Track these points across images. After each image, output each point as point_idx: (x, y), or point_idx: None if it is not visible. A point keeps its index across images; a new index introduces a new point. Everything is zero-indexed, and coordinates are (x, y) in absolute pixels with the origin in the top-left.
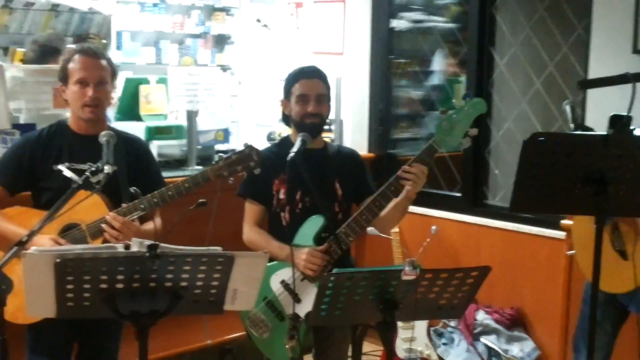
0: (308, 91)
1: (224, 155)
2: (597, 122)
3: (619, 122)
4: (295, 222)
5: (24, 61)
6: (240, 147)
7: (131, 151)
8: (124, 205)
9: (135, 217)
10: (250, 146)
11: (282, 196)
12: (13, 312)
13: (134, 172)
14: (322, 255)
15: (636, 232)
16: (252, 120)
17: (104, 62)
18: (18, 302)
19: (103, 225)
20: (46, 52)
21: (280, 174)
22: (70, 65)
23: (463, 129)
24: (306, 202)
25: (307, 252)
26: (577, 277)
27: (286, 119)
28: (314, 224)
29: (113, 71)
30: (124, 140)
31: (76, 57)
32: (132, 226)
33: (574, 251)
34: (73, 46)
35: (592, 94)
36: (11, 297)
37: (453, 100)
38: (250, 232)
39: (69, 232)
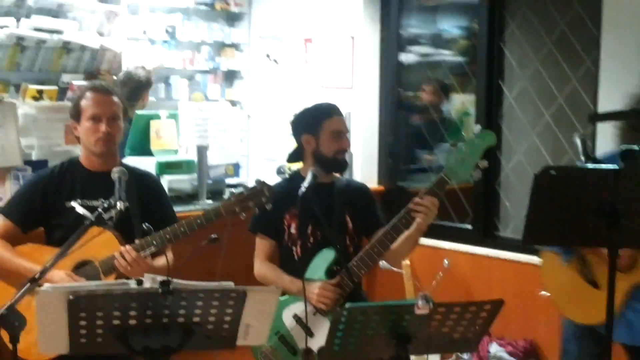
0: (342, 128)
1: (236, 192)
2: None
3: (630, 156)
4: (307, 256)
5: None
6: (250, 182)
7: (143, 187)
8: (136, 241)
9: (148, 253)
10: (262, 182)
11: (293, 230)
12: (26, 348)
13: (146, 208)
14: (334, 288)
15: (604, 260)
16: (261, 154)
17: (115, 98)
18: (31, 338)
19: (115, 254)
20: (140, 86)
21: (291, 208)
22: (83, 102)
23: (473, 161)
24: (317, 236)
25: (320, 285)
26: None
27: (296, 155)
28: (325, 258)
29: (124, 107)
30: (136, 177)
31: (88, 94)
32: (142, 263)
33: (546, 293)
34: (84, 83)
35: (602, 126)
36: (24, 333)
37: (462, 133)
38: (261, 267)
39: (81, 269)
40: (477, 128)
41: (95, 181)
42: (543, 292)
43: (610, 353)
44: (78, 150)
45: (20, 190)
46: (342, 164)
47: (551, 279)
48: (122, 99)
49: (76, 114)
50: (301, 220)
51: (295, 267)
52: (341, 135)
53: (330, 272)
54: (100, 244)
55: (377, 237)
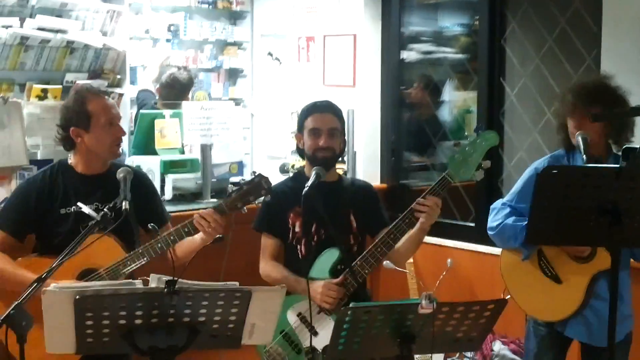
0: (320, 125)
1: (235, 188)
2: None
3: (632, 155)
4: (312, 255)
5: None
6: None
7: (136, 185)
8: (142, 247)
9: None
10: (260, 174)
11: (297, 229)
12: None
13: (140, 207)
14: (338, 288)
15: (563, 252)
16: (265, 152)
17: (111, 100)
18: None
19: (195, 216)
20: (185, 86)
21: (296, 207)
22: (91, 108)
23: (476, 161)
24: (322, 234)
25: (324, 285)
26: None
27: (300, 152)
28: (329, 257)
29: None
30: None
31: (94, 99)
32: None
33: (508, 296)
34: (87, 82)
35: None
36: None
37: (465, 133)
38: (266, 266)
39: (87, 278)
40: (481, 128)
41: (89, 185)
42: (505, 294)
43: (614, 351)
44: None
45: (12, 200)
46: (320, 162)
47: (512, 279)
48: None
49: (85, 120)
50: (305, 219)
51: (300, 266)
52: (318, 132)
53: (334, 272)
54: (102, 251)
55: (381, 237)
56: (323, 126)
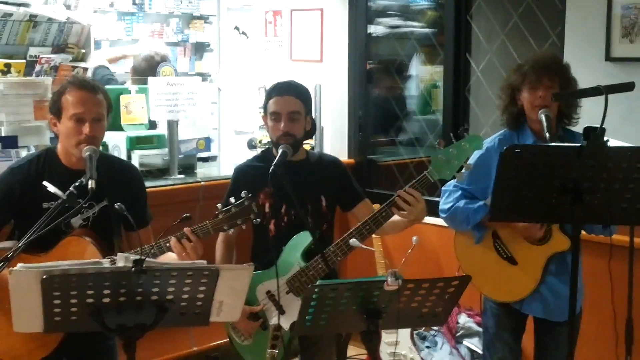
0: (280, 109)
1: (223, 209)
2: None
3: (592, 134)
4: (281, 235)
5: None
6: (224, 159)
7: (126, 181)
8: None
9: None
10: (250, 197)
11: (267, 210)
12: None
13: (125, 203)
14: (254, 323)
15: (518, 234)
16: (232, 127)
17: (100, 96)
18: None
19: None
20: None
21: (265, 187)
22: (65, 99)
23: (459, 163)
24: (291, 215)
25: (241, 320)
26: None
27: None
28: (301, 241)
29: (109, 105)
30: (118, 169)
31: (71, 90)
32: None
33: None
34: (52, 57)
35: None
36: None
37: (432, 108)
38: (217, 248)
39: None
40: (465, 133)
41: (74, 180)
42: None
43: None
44: (47, 125)
45: None
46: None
47: (467, 261)
48: (107, 96)
49: (57, 110)
50: (275, 199)
51: (269, 246)
52: (278, 117)
53: (307, 255)
54: (77, 255)
55: (356, 227)
56: (283, 110)
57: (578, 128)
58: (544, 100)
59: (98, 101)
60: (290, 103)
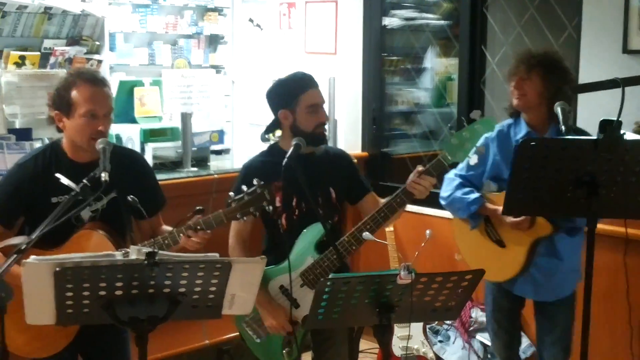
0: (319, 100)
1: (236, 197)
2: (588, 124)
3: (609, 127)
4: (293, 229)
5: None
6: (236, 154)
7: (130, 168)
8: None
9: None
10: (262, 185)
11: (277, 204)
12: (23, 345)
13: (134, 191)
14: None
15: (505, 219)
16: (246, 119)
17: (107, 89)
18: (25, 337)
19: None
20: None
21: (274, 181)
22: (75, 95)
23: (472, 145)
24: (302, 208)
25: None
26: None
27: (273, 128)
28: (314, 233)
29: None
30: (122, 158)
31: (80, 85)
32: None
33: (459, 256)
34: (66, 49)
35: (583, 95)
36: (19, 332)
37: (447, 101)
38: (234, 250)
39: None
40: (477, 114)
41: (81, 174)
42: (457, 256)
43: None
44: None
45: (3, 187)
46: (321, 138)
47: (464, 242)
48: (110, 86)
49: (66, 106)
50: (286, 192)
51: (282, 240)
52: (318, 108)
53: (319, 247)
54: (91, 248)
55: (371, 215)
56: (321, 101)
57: (594, 121)
58: (519, 90)
59: (108, 95)
60: (322, 95)
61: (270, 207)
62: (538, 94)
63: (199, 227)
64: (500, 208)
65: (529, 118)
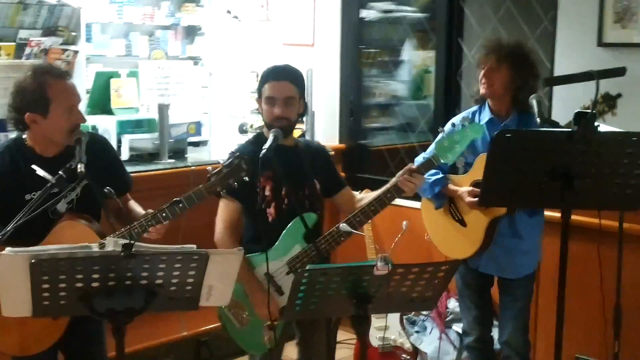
0: (275, 94)
1: (214, 171)
2: (563, 116)
3: (583, 119)
4: (282, 218)
5: None
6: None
7: (95, 152)
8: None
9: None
10: (238, 155)
11: (267, 193)
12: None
13: (101, 174)
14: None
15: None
16: (223, 111)
17: (72, 80)
18: (16, 337)
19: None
20: None
21: (266, 170)
22: (52, 92)
23: (461, 149)
24: (291, 198)
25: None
26: (546, 258)
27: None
28: (302, 223)
29: None
30: (89, 143)
31: (55, 81)
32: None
33: (429, 236)
34: (41, 40)
35: (558, 88)
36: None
37: (424, 94)
38: (223, 235)
39: None
40: (467, 120)
41: (52, 168)
42: (426, 236)
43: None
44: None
45: None
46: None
47: (430, 222)
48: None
49: (42, 106)
50: (276, 182)
51: (269, 229)
52: (274, 101)
53: (307, 237)
54: (73, 238)
55: (362, 208)
56: (279, 95)
57: (567, 114)
58: (487, 80)
59: (74, 87)
60: (286, 88)
61: (247, 178)
62: (505, 85)
63: (180, 205)
64: (461, 189)
65: (493, 104)
